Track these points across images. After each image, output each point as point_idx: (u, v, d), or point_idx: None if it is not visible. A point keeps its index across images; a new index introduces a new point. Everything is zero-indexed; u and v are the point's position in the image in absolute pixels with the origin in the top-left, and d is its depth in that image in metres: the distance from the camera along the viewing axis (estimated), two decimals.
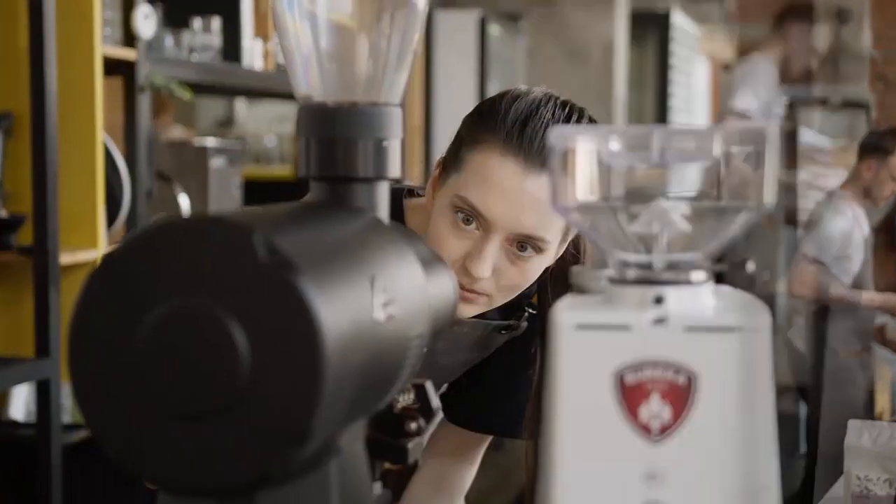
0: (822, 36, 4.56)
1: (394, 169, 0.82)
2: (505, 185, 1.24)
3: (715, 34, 8.80)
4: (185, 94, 2.78)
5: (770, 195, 0.69)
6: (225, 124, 5.85)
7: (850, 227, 4.07)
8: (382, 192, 0.81)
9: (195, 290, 0.61)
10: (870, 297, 4.24)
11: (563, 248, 1.36)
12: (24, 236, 2.41)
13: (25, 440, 2.48)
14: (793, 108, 4.56)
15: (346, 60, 0.81)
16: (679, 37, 7.40)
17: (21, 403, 2.64)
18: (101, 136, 2.51)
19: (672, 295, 0.69)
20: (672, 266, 0.71)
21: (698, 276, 0.71)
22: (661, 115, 7.28)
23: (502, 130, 1.25)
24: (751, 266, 3.70)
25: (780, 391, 4.33)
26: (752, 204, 0.69)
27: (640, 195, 0.73)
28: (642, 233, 0.71)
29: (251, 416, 0.60)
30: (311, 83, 0.82)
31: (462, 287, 1.27)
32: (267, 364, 0.60)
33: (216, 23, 3.09)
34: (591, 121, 1.34)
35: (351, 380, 0.64)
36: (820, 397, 3.96)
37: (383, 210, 0.81)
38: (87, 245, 2.51)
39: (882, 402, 4.74)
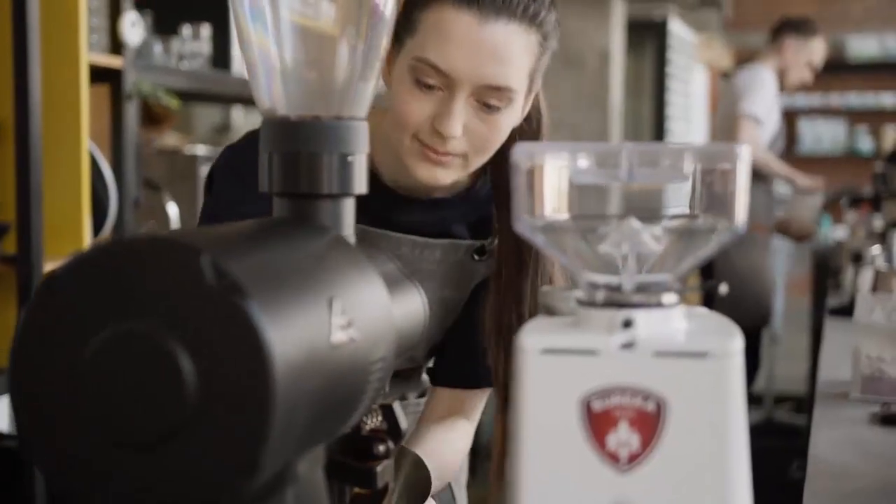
0: (816, 47, 4.58)
1: (360, 185, 0.79)
2: (463, 38, 1.22)
3: (712, 42, 8.78)
4: (172, 103, 2.75)
5: (742, 215, 0.66)
6: (221, 131, 5.82)
7: (774, 91, 4.38)
8: (348, 209, 0.79)
9: (141, 314, 0.59)
10: (783, 167, 4.48)
11: (530, 103, 1.34)
12: (8, 245, 2.38)
13: (10, 451, 2.46)
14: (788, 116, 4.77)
15: (309, 73, 0.79)
16: (676, 45, 7.38)
17: (5, 413, 2.62)
18: (86, 143, 2.49)
19: (641, 318, 0.67)
20: (642, 288, 0.69)
21: (669, 298, 0.68)
22: (659, 122, 7.26)
23: None
24: (723, 288, 3.72)
25: None
26: (725, 224, 0.66)
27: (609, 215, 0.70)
28: (612, 253, 0.69)
29: (197, 446, 0.58)
30: (273, 96, 0.79)
31: (435, 150, 1.26)
32: (214, 391, 0.57)
33: (206, 30, 3.07)
34: None
35: (305, 406, 0.61)
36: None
37: (348, 227, 0.79)
38: (72, 253, 2.48)
39: None
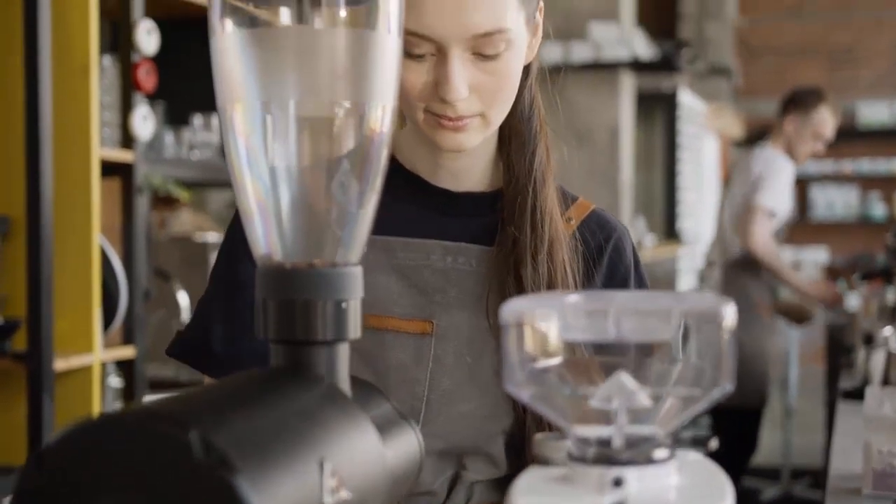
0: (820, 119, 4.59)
1: (354, 330, 0.80)
2: None
3: (723, 111, 8.83)
4: (183, 195, 2.78)
5: (729, 375, 0.67)
6: (233, 207, 5.86)
7: (790, 181, 4.39)
8: (342, 355, 0.79)
9: (130, 488, 0.59)
10: (795, 277, 4.50)
11: (539, 35, 1.24)
12: (19, 341, 2.40)
13: None
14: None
15: (304, 220, 0.80)
16: (686, 115, 7.43)
17: None
18: (97, 238, 2.51)
19: (632, 476, 0.67)
20: (633, 443, 0.69)
21: (660, 454, 0.68)
22: (670, 193, 7.28)
23: None
24: (714, 444, 3.77)
25: None
26: (712, 386, 0.67)
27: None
28: (601, 408, 0.69)
29: None
30: (269, 243, 0.80)
31: (448, 118, 1.17)
32: None
33: (216, 119, 3.10)
34: None
35: None
36: None
37: (342, 372, 0.79)
38: (83, 350, 2.49)
39: None
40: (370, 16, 0.79)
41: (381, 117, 0.81)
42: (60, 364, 2.41)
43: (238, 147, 0.79)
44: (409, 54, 1.15)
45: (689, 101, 7.46)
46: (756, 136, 10.10)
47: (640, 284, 1.31)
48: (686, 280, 6.97)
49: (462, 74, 1.15)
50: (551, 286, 1.21)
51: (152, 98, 2.82)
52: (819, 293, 4.61)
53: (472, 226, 1.28)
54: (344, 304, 0.79)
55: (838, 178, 10.20)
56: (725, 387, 0.67)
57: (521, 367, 0.70)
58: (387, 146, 0.82)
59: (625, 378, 0.69)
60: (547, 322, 0.69)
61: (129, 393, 2.70)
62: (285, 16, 0.88)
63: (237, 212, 1.35)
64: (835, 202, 10.21)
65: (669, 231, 7.16)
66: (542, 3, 1.25)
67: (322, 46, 0.79)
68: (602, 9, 5.54)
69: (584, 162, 5.43)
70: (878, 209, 10.08)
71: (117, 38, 2.75)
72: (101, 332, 2.54)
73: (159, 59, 2.77)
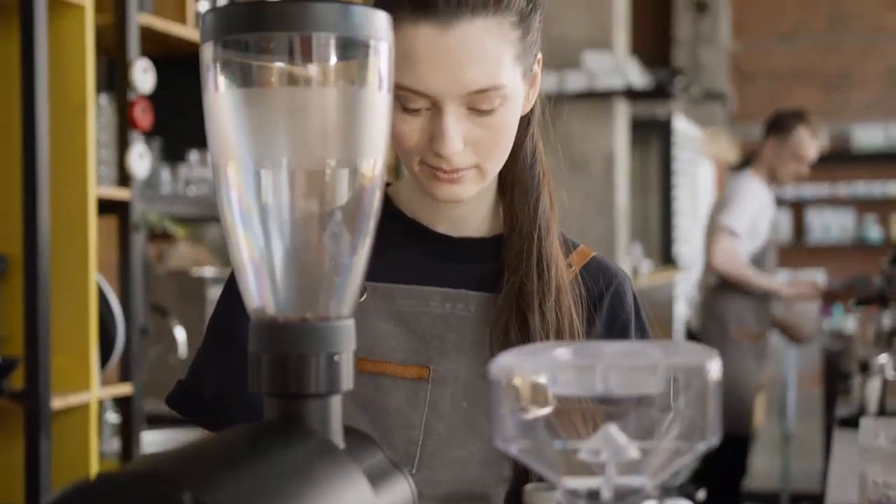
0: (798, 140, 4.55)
1: (347, 382, 0.81)
2: (428, 52, 1.13)
3: (718, 136, 8.87)
4: (179, 232, 2.79)
5: (715, 428, 0.68)
6: None
7: (761, 204, 4.37)
8: (335, 407, 0.80)
9: None
10: (763, 279, 4.41)
11: (537, 87, 1.24)
12: (16, 380, 2.40)
13: None
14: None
15: (296, 275, 0.81)
16: (681, 141, 7.45)
17: None
18: (94, 276, 2.52)
19: None
20: (621, 495, 0.70)
21: None
22: (666, 218, 7.30)
23: None
24: (701, 494, 3.79)
25: None
26: (699, 439, 0.68)
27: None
28: (590, 461, 0.70)
29: None
30: (262, 297, 0.81)
31: (443, 170, 1.18)
32: None
33: None
34: None
35: None
36: None
37: (335, 424, 0.80)
38: (80, 388, 2.50)
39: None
40: (360, 73, 0.80)
41: (373, 171, 0.82)
42: (58, 402, 2.41)
43: (231, 202, 0.81)
44: (404, 108, 1.16)
45: (683, 128, 7.49)
46: (751, 160, 10.14)
47: (642, 331, 1.31)
48: (682, 306, 6.98)
49: (457, 129, 1.15)
50: (559, 334, 1.22)
51: (149, 135, 2.84)
52: (796, 291, 4.58)
53: (472, 271, 1.29)
54: (336, 357, 0.80)
55: (834, 202, 10.23)
56: (712, 440, 0.68)
57: (511, 420, 0.71)
58: (378, 198, 0.83)
59: (613, 430, 0.70)
60: (536, 377, 0.70)
61: (126, 429, 2.70)
62: (277, 74, 0.90)
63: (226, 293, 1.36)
64: (831, 225, 10.24)
65: (666, 257, 7.17)
66: (539, 55, 1.25)
67: (313, 105, 0.80)
68: (596, 38, 5.58)
69: (580, 189, 5.45)
70: (875, 232, 10.11)
71: (114, 77, 2.77)
72: (99, 369, 2.54)
73: (155, 96, 2.79)
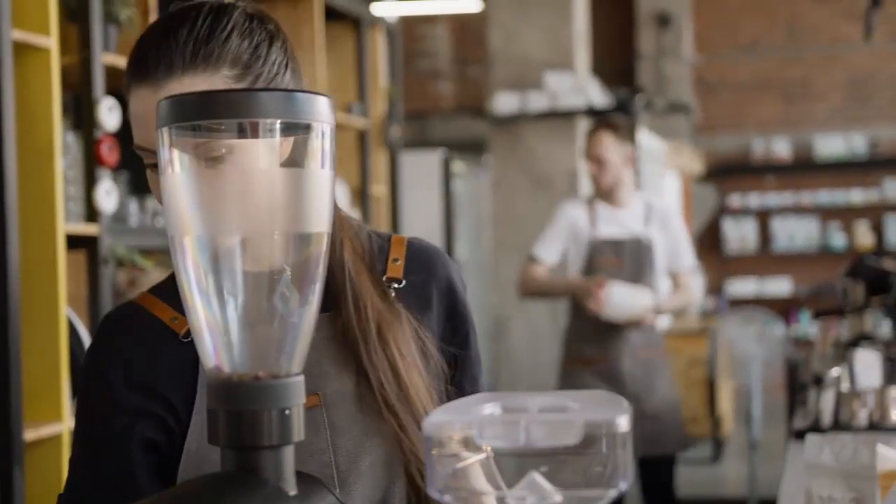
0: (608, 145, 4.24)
1: (298, 433, 0.88)
2: (145, 111, 1.19)
3: (682, 148, 8.99)
4: (147, 264, 2.86)
5: (625, 475, 0.76)
6: None
7: (563, 228, 4.13)
8: (287, 457, 0.88)
9: None
10: (557, 280, 4.20)
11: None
12: None
13: None
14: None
15: (249, 337, 0.88)
16: (646, 155, 7.55)
17: None
18: (63, 310, 2.58)
19: None
20: None
21: None
22: None
23: (130, 61, 1.22)
24: None
25: None
26: (609, 486, 0.75)
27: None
28: None
29: None
30: (218, 357, 0.88)
31: None
32: None
33: None
34: (247, 20, 1.23)
35: None
36: None
37: (288, 473, 0.87)
38: (52, 419, 2.55)
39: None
40: (304, 153, 0.88)
41: (319, 238, 0.90)
42: (30, 434, 2.47)
43: (188, 272, 0.88)
44: (147, 166, 1.22)
45: (647, 142, 7.59)
46: (715, 171, 10.31)
47: (465, 306, 1.38)
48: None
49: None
50: (394, 368, 1.29)
51: (115, 170, 2.90)
52: (581, 284, 4.11)
53: None
54: (287, 411, 0.87)
55: (798, 210, 10.38)
56: (623, 486, 0.76)
57: (442, 472, 0.78)
58: (323, 262, 0.91)
59: (538, 477, 0.78)
60: (465, 432, 0.78)
61: None
62: (227, 156, 0.98)
63: (88, 361, 1.33)
64: (796, 234, 10.39)
65: None
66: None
67: (261, 183, 0.88)
68: (557, 59, 5.68)
69: (543, 207, 5.54)
70: (839, 239, 10.26)
71: (80, 115, 2.84)
72: (70, 400, 2.60)
73: (122, 130, 2.85)
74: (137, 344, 1.29)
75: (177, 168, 0.87)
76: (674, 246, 4.19)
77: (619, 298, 4.00)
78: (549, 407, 0.80)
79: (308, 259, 0.90)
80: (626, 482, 0.76)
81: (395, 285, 1.33)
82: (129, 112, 1.24)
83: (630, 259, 4.17)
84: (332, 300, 1.31)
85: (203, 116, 0.86)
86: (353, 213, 4.31)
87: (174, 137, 0.86)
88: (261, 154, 0.89)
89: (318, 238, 0.89)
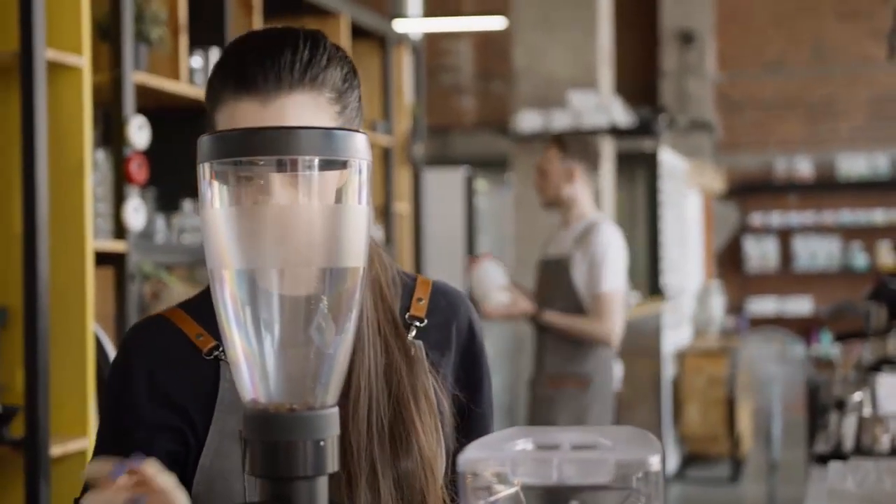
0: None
1: (332, 464, 0.90)
2: (248, 125, 1.19)
3: (704, 167, 8.98)
4: (172, 280, 2.88)
5: None
6: None
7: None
8: (322, 488, 0.89)
9: None
10: (553, 315, 4.02)
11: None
12: (16, 428, 2.48)
13: None
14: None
15: (286, 371, 0.90)
16: (668, 173, 7.55)
17: None
18: (91, 326, 2.60)
19: None
20: None
21: None
22: (653, 249, 7.39)
23: (229, 74, 1.22)
24: None
25: None
26: None
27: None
28: None
29: None
30: (255, 389, 0.90)
31: None
32: None
33: None
34: (335, 49, 1.27)
35: None
36: None
37: (322, 503, 0.89)
38: (78, 434, 2.58)
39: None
40: (342, 189, 0.90)
41: (354, 272, 0.91)
42: (57, 450, 2.49)
43: (226, 304, 0.90)
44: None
45: (669, 160, 7.59)
46: (737, 189, 10.29)
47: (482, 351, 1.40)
48: (670, 335, 7.07)
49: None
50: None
51: (143, 186, 2.93)
52: (515, 309, 4.06)
53: None
54: (322, 443, 0.89)
55: (820, 230, 10.34)
56: None
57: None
58: (359, 295, 0.92)
59: None
60: (498, 469, 0.79)
61: None
62: (266, 192, 1.00)
63: (113, 369, 1.34)
64: (817, 253, 10.35)
65: (653, 287, 7.26)
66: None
67: (299, 219, 0.90)
68: (581, 77, 5.69)
69: None
70: (860, 259, 10.22)
71: (110, 133, 2.87)
72: (96, 417, 2.62)
73: (150, 147, 2.88)
74: (161, 355, 1.30)
75: (216, 203, 0.89)
76: (589, 267, 4.04)
77: (482, 273, 4.02)
78: (581, 443, 0.82)
79: (344, 292, 0.91)
80: None
81: (417, 324, 1.34)
82: (215, 123, 1.24)
83: (547, 278, 4.13)
84: None
85: (244, 153, 0.88)
86: (377, 232, 4.32)
87: (216, 172, 0.88)
88: (299, 190, 0.91)
89: (353, 272, 0.91)
